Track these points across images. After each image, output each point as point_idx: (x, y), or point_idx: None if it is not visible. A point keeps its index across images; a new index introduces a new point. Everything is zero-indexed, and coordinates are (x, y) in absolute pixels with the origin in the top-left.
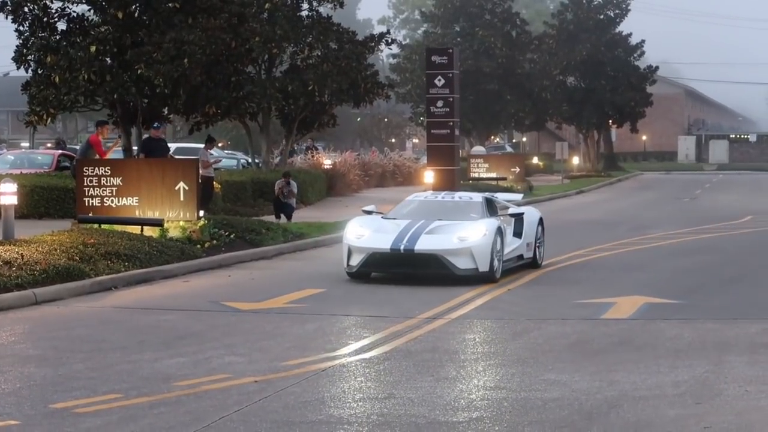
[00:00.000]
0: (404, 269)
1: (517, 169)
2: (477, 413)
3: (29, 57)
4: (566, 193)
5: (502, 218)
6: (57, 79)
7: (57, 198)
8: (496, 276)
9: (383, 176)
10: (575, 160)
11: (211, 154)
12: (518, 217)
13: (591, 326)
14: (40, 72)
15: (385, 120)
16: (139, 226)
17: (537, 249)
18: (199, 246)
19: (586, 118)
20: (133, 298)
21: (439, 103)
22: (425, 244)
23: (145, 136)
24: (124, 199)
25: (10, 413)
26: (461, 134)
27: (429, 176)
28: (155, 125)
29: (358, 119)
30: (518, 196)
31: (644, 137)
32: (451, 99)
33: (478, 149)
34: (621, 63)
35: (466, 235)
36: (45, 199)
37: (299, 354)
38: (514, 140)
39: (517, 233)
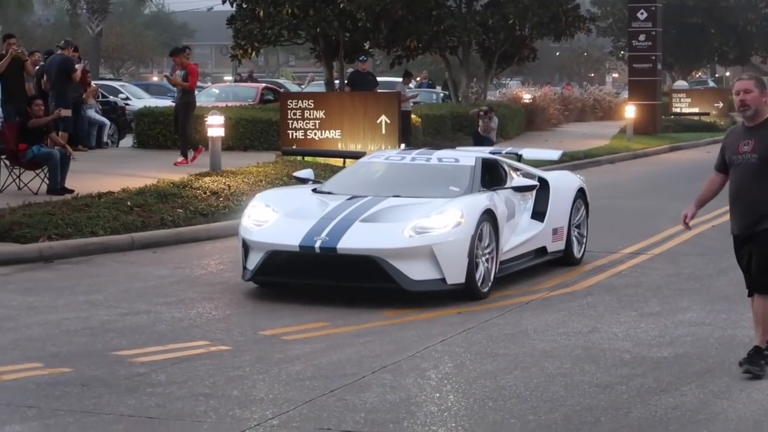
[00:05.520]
0: (322, 279)
1: (721, 105)
2: (682, 349)
3: None
4: None
5: (519, 194)
6: (261, 14)
7: (261, 131)
8: (481, 290)
9: (583, 111)
10: None
11: (410, 88)
12: (539, 190)
13: None
14: (244, 6)
15: (585, 54)
16: (342, 159)
17: (574, 238)
18: None
19: None
20: None
21: (642, 37)
22: (355, 239)
23: (351, 69)
24: (327, 132)
25: (221, 339)
26: (663, 69)
27: (630, 111)
28: (361, 58)
29: (557, 53)
30: (554, 154)
31: None
32: (653, 33)
33: (681, 84)
34: None
35: (426, 223)
36: (249, 131)
37: (501, 287)
38: (716, 75)
39: (538, 214)
